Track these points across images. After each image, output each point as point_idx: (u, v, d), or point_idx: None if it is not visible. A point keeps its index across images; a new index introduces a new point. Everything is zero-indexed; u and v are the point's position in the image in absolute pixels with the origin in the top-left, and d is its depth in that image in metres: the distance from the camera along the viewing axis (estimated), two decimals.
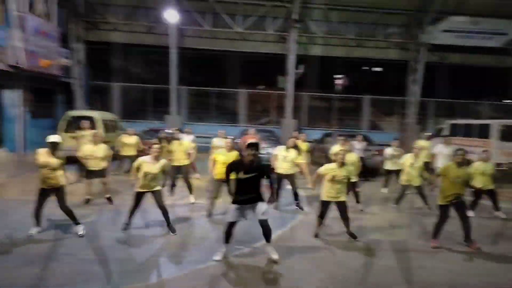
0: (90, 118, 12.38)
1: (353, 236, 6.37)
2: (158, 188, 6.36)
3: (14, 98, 14.10)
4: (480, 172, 7.92)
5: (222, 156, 7.09)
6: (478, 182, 7.95)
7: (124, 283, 4.52)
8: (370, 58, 21.31)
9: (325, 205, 6.29)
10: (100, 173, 8.03)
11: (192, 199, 8.43)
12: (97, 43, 19.60)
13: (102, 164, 8.04)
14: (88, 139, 8.92)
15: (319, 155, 13.79)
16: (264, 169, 5.43)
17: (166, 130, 11.78)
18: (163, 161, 6.43)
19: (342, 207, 6.29)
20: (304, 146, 10.21)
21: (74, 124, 12.61)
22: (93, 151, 7.94)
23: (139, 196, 6.29)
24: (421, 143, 11.39)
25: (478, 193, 8.11)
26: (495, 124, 12.55)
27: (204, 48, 19.82)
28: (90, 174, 7.99)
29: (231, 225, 5.30)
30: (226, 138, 9.95)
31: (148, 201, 6.46)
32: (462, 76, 21.42)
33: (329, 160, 6.59)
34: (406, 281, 4.95)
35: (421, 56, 18.50)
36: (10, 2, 12.67)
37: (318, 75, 20.88)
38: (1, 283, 4.40)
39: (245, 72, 26.98)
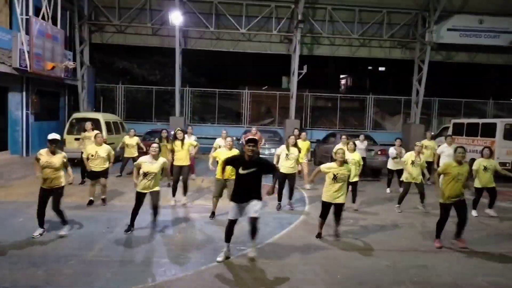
0: (94, 120, 12.44)
1: (338, 235, 6.41)
2: (157, 189, 6.38)
3: (18, 101, 14.24)
4: (482, 168, 7.89)
5: (223, 155, 7.09)
6: (481, 180, 7.93)
7: (127, 285, 4.53)
8: (375, 57, 21.22)
9: (325, 205, 6.29)
10: (102, 174, 8.07)
11: (184, 200, 8.41)
12: (101, 45, 19.75)
13: (105, 166, 8.08)
14: (91, 139, 8.98)
15: (322, 155, 13.79)
16: (264, 164, 5.44)
17: (169, 130, 11.79)
18: (161, 160, 6.45)
19: (338, 208, 6.30)
20: (305, 145, 10.16)
21: (78, 126, 12.73)
22: (96, 152, 7.97)
23: (140, 197, 6.32)
24: (425, 142, 11.37)
25: (480, 192, 8.09)
26: (500, 123, 12.46)
27: (208, 49, 19.85)
28: (92, 175, 8.03)
29: (231, 223, 5.31)
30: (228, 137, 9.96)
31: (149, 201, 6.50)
32: (467, 74, 21.32)
33: (333, 160, 6.58)
34: (409, 281, 4.92)
35: (426, 55, 18.40)
36: (16, 6, 12.79)
37: (322, 75, 20.85)
38: (5, 284, 4.43)
39: (249, 73, 27.06)
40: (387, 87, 24.67)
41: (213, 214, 7.38)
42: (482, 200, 8.32)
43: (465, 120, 14.78)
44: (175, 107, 18.89)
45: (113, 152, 8.27)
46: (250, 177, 5.21)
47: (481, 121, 13.94)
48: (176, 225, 6.95)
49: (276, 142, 13.77)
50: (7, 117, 14.06)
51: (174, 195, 8.35)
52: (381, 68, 37.52)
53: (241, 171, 5.20)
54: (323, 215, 6.33)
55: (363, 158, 9.26)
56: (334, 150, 7.00)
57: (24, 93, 14.32)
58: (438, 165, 9.89)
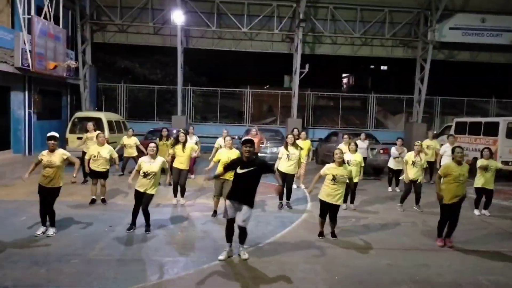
0: (96, 119, 12.48)
1: (334, 235, 6.39)
2: (152, 192, 6.32)
3: (21, 100, 14.28)
4: (483, 168, 7.89)
5: (223, 154, 7.10)
6: (481, 180, 7.93)
7: (129, 283, 4.55)
8: (377, 56, 21.18)
9: (323, 204, 6.29)
10: (103, 175, 8.10)
11: (182, 201, 8.44)
12: (103, 44, 19.78)
13: (107, 167, 8.11)
14: (94, 140, 9.00)
15: (324, 154, 13.78)
16: (261, 165, 5.45)
17: (169, 129, 11.79)
18: (160, 159, 6.45)
19: (334, 209, 6.28)
20: (305, 144, 10.11)
21: (81, 125, 12.75)
22: (98, 153, 7.99)
23: (138, 195, 6.32)
24: (427, 142, 11.35)
25: (480, 191, 8.10)
26: (503, 122, 12.42)
27: (210, 48, 19.86)
28: (94, 174, 8.05)
29: (230, 222, 5.34)
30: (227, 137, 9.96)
31: (151, 201, 6.50)
32: (470, 73, 21.24)
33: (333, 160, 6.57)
34: (410, 280, 4.92)
35: (428, 54, 18.35)
36: (18, 5, 12.82)
37: (324, 74, 20.82)
38: (7, 283, 4.45)
39: (251, 72, 27.05)
40: (389, 86, 24.62)
41: (215, 213, 7.40)
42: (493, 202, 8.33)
43: (468, 119, 14.74)
44: (177, 106, 18.91)
45: (116, 155, 8.29)
46: (247, 177, 5.23)
47: (483, 119, 13.90)
48: (177, 224, 6.96)
49: (278, 141, 13.76)
50: (10, 116, 14.10)
51: (175, 195, 8.36)
52: (383, 67, 37.47)
53: (238, 170, 5.25)
54: (322, 214, 6.34)
55: (364, 158, 9.23)
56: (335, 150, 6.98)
57: (26, 93, 14.37)
58: (440, 165, 9.89)
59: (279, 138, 14.74)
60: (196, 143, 10.04)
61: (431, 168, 11.07)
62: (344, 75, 40.89)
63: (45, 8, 13.79)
